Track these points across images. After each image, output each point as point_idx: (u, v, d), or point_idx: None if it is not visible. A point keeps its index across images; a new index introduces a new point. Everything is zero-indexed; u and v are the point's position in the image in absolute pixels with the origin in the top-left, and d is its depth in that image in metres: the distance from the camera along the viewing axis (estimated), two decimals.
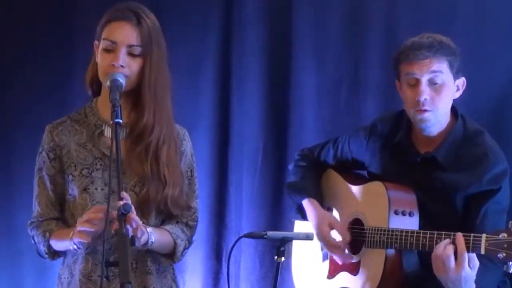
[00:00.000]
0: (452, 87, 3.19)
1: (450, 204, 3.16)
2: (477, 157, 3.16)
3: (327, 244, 3.39)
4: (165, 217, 3.07)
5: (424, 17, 4.19)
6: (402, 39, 4.19)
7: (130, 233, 2.70)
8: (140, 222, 2.82)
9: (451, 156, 3.18)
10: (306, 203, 3.48)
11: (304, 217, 3.52)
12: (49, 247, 3.01)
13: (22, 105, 4.65)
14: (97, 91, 3.08)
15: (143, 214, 2.96)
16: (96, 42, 3.02)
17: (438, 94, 3.15)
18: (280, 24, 4.52)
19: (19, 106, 4.66)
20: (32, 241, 3.09)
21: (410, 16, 4.24)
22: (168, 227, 3.04)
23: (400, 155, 3.30)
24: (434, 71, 3.13)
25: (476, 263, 2.91)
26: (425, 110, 3.14)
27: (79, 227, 2.83)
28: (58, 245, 3.00)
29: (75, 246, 2.89)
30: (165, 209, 3.02)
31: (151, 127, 2.98)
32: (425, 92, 3.13)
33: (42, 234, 3.02)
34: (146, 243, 2.89)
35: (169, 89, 3.05)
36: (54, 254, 3.05)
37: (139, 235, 2.82)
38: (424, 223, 3.14)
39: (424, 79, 3.14)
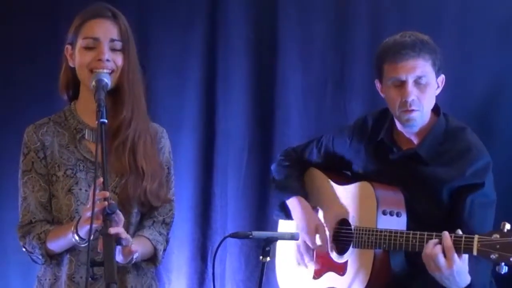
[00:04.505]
0: (434, 85, 3.18)
1: (436, 200, 3.15)
2: (460, 152, 3.16)
3: (313, 246, 3.40)
4: (145, 211, 3.04)
5: (410, 16, 4.21)
6: None
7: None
8: (130, 239, 2.78)
9: (433, 151, 3.18)
10: (292, 202, 3.47)
11: (287, 216, 3.50)
12: (46, 249, 2.93)
13: (8, 105, 4.61)
14: (73, 96, 3.07)
15: (125, 210, 2.94)
16: (68, 47, 2.99)
17: (423, 93, 3.14)
18: (265, 23, 4.53)
19: (5, 106, 4.62)
20: (24, 250, 2.99)
21: (395, 16, 4.25)
22: (147, 233, 3.02)
23: (383, 153, 3.29)
24: (419, 71, 3.11)
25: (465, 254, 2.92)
26: (413, 110, 3.14)
27: (87, 213, 2.70)
28: (57, 243, 2.92)
29: (77, 238, 2.80)
30: (145, 201, 3.00)
31: (129, 122, 2.98)
32: (412, 93, 3.12)
33: (37, 237, 2.94)
34: (131, 259, 2.85)
35: (143, 86, 3.04)
36: (52, 257, 2.96)
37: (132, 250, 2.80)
38: (412, 223, 3.14)
39: (411, 80, 3.12)
